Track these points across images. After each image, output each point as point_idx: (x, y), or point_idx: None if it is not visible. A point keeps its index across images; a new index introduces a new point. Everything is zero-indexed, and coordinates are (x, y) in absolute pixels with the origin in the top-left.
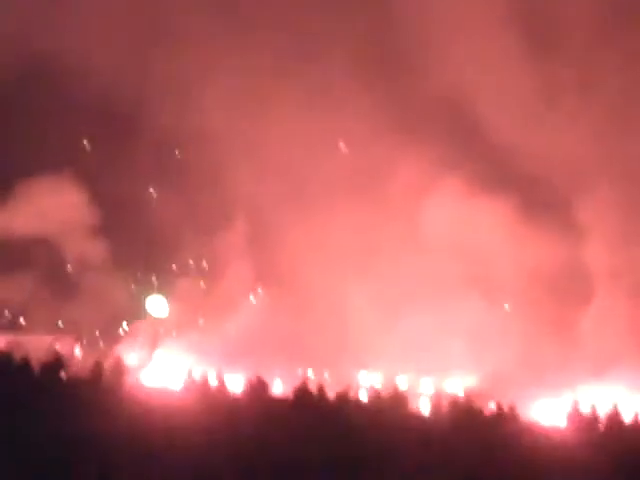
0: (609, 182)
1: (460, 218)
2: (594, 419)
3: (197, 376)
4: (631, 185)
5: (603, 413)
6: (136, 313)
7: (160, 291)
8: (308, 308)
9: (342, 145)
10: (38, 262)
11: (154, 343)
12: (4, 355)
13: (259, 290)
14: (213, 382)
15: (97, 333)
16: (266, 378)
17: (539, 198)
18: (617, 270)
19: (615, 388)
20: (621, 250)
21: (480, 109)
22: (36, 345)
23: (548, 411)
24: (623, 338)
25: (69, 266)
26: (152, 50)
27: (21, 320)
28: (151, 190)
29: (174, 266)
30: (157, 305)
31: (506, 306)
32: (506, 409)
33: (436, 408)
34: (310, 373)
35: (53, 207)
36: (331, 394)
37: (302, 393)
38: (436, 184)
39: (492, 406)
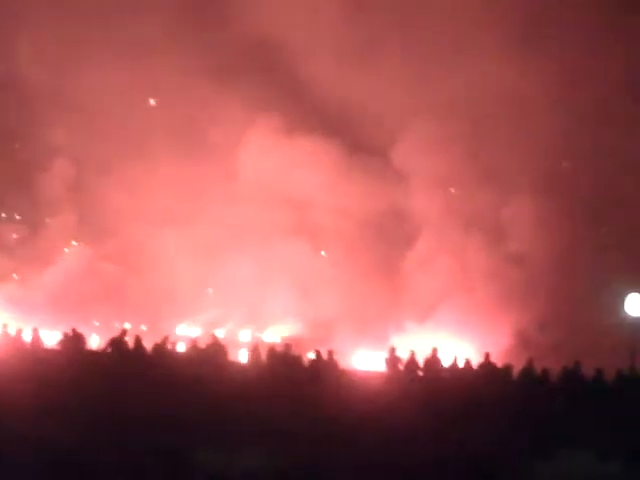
0: (426, 124)
1: (278, 163)
2: (412, 364)
3: (11, 332)
4: (449, 127)
5: (422, 358)
6: None
7: None
8: (127, 261)
9: (153, 97)
10: None
11: None
12: None
13: (75, 243)
14: (27, 337)
15: None
16: (84, 332)
17: (358, 141)
18: (437, 213)
19: (438, 333)
20: (440, 192)
21: (296, 53)
22: None
23: (369, 358)
24: (446, 282)
25: None
26: None
27: None
28: None
29: None
30: None
31: (323, 253)
32: (325, 357)
33: (253, 358)
34: (127, 326)
35: None
36: (149, 347)
37: (118, 345)
38: (251, 130)
39: (310, 354)
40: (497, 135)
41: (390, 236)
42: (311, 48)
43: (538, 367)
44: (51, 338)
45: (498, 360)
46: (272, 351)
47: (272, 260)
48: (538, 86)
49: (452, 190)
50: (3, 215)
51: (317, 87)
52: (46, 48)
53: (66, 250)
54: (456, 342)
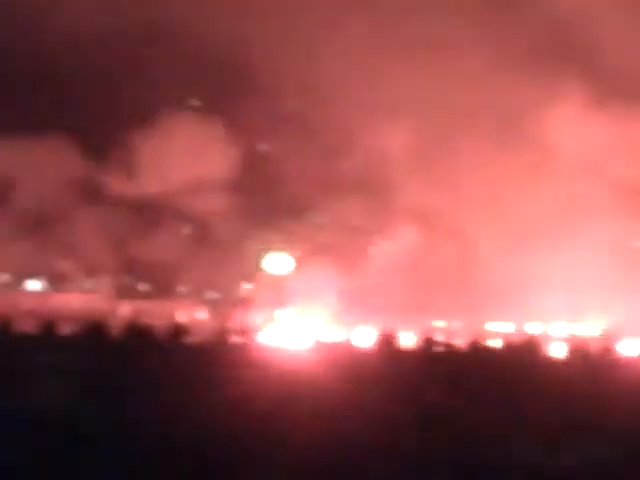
0: None
1: (592, 140)
2: None
3: (324, 333)
4: None
5: None
6: (258, 272)
7: (281, 248)
8: (437, 257)
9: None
10: (158, 225)
11: (277, 302)
12: (128, 323)
13: (382, 243)
14: (341, 338)
15: (219, 295)
16: (396, 331)
17: None
18: None
19: None
20: None
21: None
22: (158, 311)
23: None
24: None
25: (184, 228)
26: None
27: (142, 286)
28: (264, 146)
29: (295, 222)
30: (278, 262)
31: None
32: None
33: (571, 353)
34: (440, 324)
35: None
36: (461, 344)
37: (431, 344)
38: (561, 107)
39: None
40: None
41: None
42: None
43: None
44: (362, 337)
45: None
46: (588, 346)
47: (591, 246)
48: None
49: None
50: (312, 217)
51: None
52: (351, 57)
53: (374, 250)
54: None
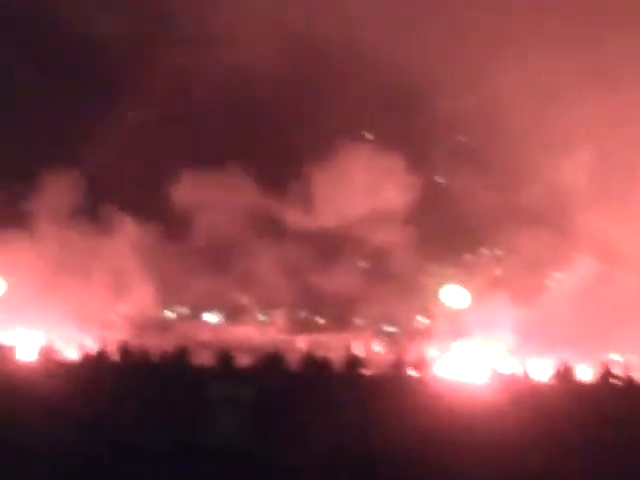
0: None
1: None
2: None
3: (501, 366)
4: None
5: None
6: (435, 305)
7: (457, 281)
8: (615, 289)
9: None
10: (335, 258)
11: (454, 335)
12: (305, 355)
13: (559, 275)
14: (517, 371)
15: (396, 327)
16: (573, 364)
17: None
18: None
19: None
20: None
21: None
22: (335, 344)
23: None
24: None
25: (361, 261)
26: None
27: (318, 319)
28: (442, 178)
29: (471, 255)
30: (454, 295)
31: None
32: None
33: None
34: (617, 357)
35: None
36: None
37: (608, 377)
38: None
39: None
40: None
41: None
42: None
43: None
44: (538, 369)
45: None
46: None
47: None
48: None
49: None
50: (485, 251)
51: None
52: (528, 90)
53: (548, 284)
54: None
